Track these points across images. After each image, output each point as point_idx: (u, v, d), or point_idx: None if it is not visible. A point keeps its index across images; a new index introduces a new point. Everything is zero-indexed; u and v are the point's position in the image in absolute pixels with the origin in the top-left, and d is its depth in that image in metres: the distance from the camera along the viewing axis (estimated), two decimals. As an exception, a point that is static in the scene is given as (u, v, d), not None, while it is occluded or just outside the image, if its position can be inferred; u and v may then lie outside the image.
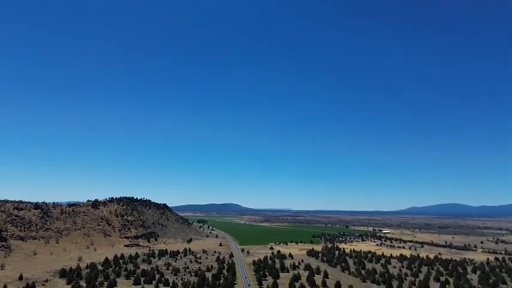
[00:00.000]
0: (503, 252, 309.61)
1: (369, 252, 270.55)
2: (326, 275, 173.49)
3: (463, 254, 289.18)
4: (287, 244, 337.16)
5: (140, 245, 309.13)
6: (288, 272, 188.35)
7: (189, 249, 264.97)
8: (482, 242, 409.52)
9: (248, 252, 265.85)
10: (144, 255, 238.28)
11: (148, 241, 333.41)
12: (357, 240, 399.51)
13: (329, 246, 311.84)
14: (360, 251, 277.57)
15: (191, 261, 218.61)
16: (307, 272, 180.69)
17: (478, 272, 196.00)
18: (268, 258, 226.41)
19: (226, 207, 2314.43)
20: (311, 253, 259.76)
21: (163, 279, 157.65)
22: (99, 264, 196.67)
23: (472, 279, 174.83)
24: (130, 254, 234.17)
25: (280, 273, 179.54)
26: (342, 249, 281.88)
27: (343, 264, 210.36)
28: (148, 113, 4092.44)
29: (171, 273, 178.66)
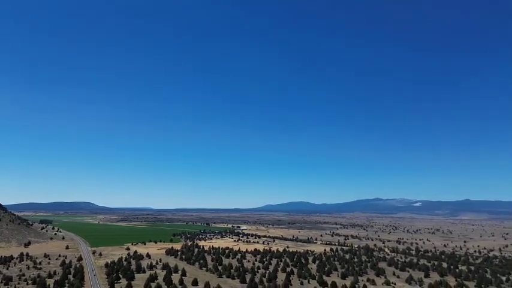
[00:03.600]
0: (336, 243, 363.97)
1: (227, 248, 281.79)
2: (184, 273, 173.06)
3: (306, 246, 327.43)
4: (145, 244, 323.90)
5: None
6: (144, 272, 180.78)
7: (27, 254, 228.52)
8: (321, 235, 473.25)
9: (101, 254, 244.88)
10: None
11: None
12: (216, 237, 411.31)
13: (189, 244, 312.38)
14: (219, 247, 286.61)
15: (28, 268, 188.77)
16: (164, 271, 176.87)
17: (317, 262, 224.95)
18: (124, 259, 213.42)
19: (76, 206, 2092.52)
20: (170, 252, 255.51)
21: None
22: None
23: (312, 268, 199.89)
24: None
25: (135, 275, 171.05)
26: (201, 247, 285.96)
27: (201, 261, 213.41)
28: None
29: (1, 282, 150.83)
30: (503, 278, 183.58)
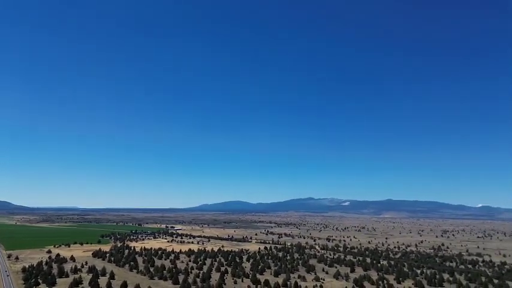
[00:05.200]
0: (270, 242, 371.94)
1: (160, 249, 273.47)
2: (112, 276, 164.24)
3: (241, 245, 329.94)
4: (69, 246, 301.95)
5: None
6: (67, 277, 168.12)
7: None
8: (256, 234, 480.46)
9: (17, 258, 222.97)
10: None
11: None
12: (148, 238, 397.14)
13: (119, 245, 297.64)
14: (151, 248, 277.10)
15: None
16: (91, 274, 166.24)
17: (251, 260, 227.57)
18: (44, 263, 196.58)
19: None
20: (98, 254, 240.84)
21: None
22: None
23: (246, 267, 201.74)
24: None
25: (57, 279, 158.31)
26: (132, 248, 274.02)
27: (132, 263, 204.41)
28: None
29: None
30: (419, 271, 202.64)
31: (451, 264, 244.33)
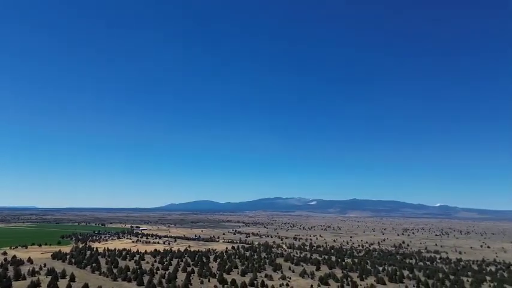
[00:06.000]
0: (238, 241, 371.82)
1: (124, 249, 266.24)
2: (73, 278, 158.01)
3: (208, 245, 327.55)
4: (27, 247, 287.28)
5: None
6: (24, 279, 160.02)
7: None
8: (224, 234, 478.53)
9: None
10: None
11: None
12: (112, 239, 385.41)
13: (80, 246, 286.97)
14: (115, 249, 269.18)
15: None
16: (49, 277, 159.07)
17: (218, 260, 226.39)
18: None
19: None
20: (57, 256, 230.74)
21: None
22: None
23: (213, 267, 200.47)
24: None
25: (13, 282, 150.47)
26: (95, 249, 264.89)
27: (94, 264, 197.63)
28: None
29: None
30: (381, 268, 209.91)
31: (410, 261, 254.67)
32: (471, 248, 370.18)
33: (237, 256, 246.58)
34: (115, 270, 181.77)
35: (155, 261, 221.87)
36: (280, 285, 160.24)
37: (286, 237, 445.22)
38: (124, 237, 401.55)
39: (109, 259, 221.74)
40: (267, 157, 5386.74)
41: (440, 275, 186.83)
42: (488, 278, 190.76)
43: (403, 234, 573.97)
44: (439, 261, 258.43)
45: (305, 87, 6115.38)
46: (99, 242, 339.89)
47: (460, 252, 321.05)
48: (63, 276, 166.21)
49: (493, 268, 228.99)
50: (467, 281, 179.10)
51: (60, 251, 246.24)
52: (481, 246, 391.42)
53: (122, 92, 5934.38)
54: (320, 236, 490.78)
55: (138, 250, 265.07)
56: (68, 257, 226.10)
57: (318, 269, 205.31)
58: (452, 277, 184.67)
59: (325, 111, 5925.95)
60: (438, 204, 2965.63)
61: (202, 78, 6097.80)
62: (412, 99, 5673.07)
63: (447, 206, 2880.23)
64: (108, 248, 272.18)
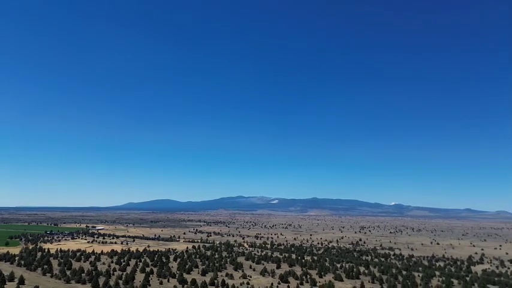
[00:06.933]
0: (199, 240, 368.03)
1: (78, 250, 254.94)
2: (22, 281, 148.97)
3: (168, 245, 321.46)
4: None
5: None
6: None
7: None
8: (185, 233, 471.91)
9: None
10: None
11: None
12: (66, 239, 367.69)
13: (30, 247, 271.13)
14: (68, 250, 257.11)
15: None
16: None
17: (178, 260, 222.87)
18: None
19: None
20: (5, 257, 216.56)
21: None
22: None
23: (172, 267, 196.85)
24: None
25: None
26: (46, 250, 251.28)
27: (45, 266, 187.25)
28: None
29: None
30: (339, 265, 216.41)
31: (367, 258, 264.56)
32: (422, 244, 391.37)
33: (197, 255, 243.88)
34: (68, 272, 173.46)
35: (112, 262, 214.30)
36: (241, 284, 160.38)
37: (248, 236, 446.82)
38: (79, 238, 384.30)
39: (62, 260, 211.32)
40: (229, 156, 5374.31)
41: (394, 271, 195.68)
42: (437, 273, 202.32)
43: (360, 232, 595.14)
44: (393, 257, 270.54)
45: (265, 84, 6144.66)
46: (51, 243, 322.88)
47: (412, 249, 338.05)
48: (11, 279, 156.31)
49: (441, 263, 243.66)
50: (418, 276, 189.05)
51: (8, 252, 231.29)
52: (431, 242, 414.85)
53: (83, 86, 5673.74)
54: (281, 234, 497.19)
55: (93, 251, 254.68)
56: (16, 258, 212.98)
57: (278, 267, 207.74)
58: (404, 272, 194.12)
59: (284, 110, 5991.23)
60: (393, 203, 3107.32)
61: (179, 74, 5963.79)
62: (373, 100, 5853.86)
63: (401, 204, 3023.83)
64: (61, 249, 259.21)
